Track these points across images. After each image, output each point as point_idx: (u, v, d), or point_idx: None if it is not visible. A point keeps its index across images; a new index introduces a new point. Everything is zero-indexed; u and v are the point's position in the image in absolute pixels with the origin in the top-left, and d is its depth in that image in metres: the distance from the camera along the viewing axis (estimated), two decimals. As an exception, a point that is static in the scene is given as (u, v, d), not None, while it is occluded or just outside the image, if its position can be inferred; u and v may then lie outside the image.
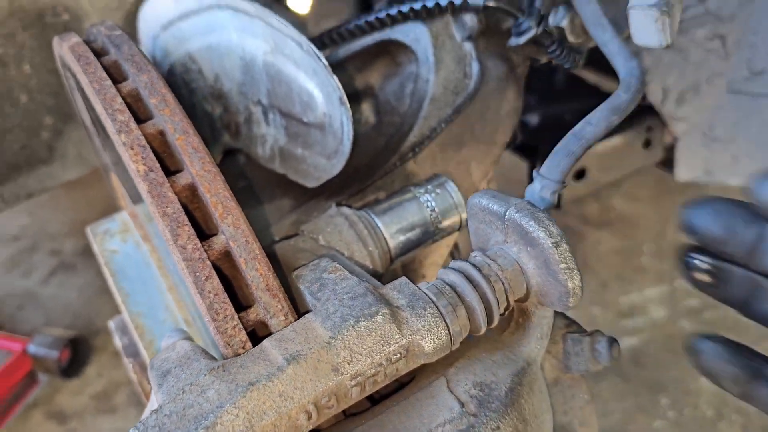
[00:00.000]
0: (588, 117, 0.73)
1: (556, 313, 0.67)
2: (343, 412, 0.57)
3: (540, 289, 0.58)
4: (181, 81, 0.95)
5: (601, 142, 1.41)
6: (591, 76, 1.59)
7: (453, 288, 0.57)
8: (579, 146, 0.71)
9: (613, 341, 0.64)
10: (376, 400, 0.58)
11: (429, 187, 0.78)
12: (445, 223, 0.77)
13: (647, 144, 1.45)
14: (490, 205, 0.60)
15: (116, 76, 0.67)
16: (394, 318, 0.53)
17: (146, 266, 0.77)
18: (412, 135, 0.85)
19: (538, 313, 0.61)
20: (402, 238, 0.75)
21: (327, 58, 0.96)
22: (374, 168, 0.83)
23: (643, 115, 1.44)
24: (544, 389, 0.62)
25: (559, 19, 0.90)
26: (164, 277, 0.77)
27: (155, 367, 0.53)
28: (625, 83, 0.76)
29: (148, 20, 0.94)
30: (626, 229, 2.58)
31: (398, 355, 0.52)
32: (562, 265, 0.55)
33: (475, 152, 0.89)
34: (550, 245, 0.55)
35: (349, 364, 0.51)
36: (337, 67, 0.95)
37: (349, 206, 0.76)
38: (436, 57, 0.87)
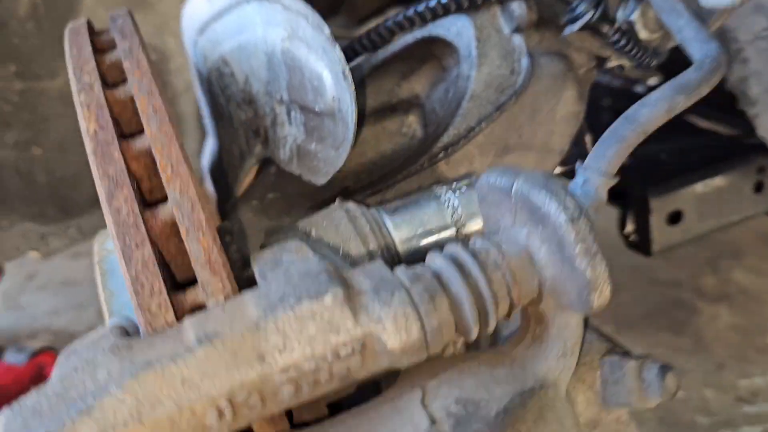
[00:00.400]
0: (645, 97, 0.59)
1: (598, 334, 0.51)
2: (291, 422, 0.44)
3: (555, 283, 0.44)
4: (218, 89, 0.90)
5: (702, 182, 1.23)
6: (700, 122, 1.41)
7: (437, 275, 0.44)
8: (631, 131, 0.57)
9: (667, 369, 0.47)
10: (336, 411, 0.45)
11: (455, 184, 0.65)
12: (472, 227, 0.64)
13: (758, 188, 1.24)
14: (497, 181, 0.47)
15: (107, 47, 0.62)
16: (350, 301, 0.41)
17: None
18: (446, 135, 0.73)
19: (559, 321, 0.46)
20: (414, 241, 0.62)
21: (368, 61, 0.87)
22: (399, 170, 0.72)
23: (753, 153, 1.24)
24: (569, 424, 0.47)
25: (628, 12, 0.77)
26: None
27: (66, 349, 0.44)
28: (698, 63, 0.61)
29: (187, 27, 0.91)
30: (748, 304, 2.27)
31: (350, 349, 0.40)
32: (580, 247, 0.41)
33: (523, 159, 0.76)
34: (564, 221, 0.41)
35: (280, 353, 0.39)
36: (381, 70, 0.87)
37: (359, 202, 0.65)
38: (479, 51, 0.76)
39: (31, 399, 0.38)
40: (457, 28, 0.78)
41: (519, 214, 0.45)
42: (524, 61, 0.76)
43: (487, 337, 0.51)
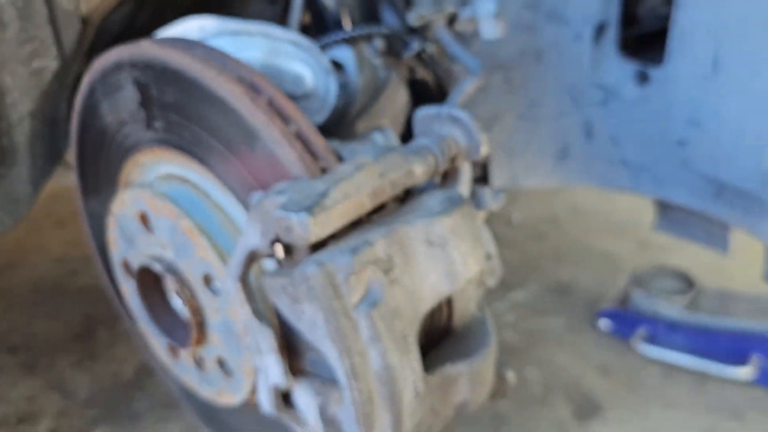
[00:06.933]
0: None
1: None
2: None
3: (466, 147, 0.81)
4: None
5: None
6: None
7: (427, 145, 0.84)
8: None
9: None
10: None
11: (374, 131, 1.06)
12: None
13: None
14: (430, 111, 0.83)
15: None
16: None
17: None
18: (353, 109, 1.14)
19: (464, 166, 0.86)
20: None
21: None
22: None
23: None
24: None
25: (430, 47, 1.25)
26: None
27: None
28: (472, 71, 1.14)
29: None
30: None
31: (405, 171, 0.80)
32: (476, 128, 0.78)
33: (385, 122, 1.18)
34: (468, 119, 0.78)
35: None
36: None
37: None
38: (359, 66, 1.16)
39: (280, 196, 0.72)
40: (344, 54, 1.13)
41: (445, 123, 0.80)
42: (383, 72, 1.14)
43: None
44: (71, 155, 1.22)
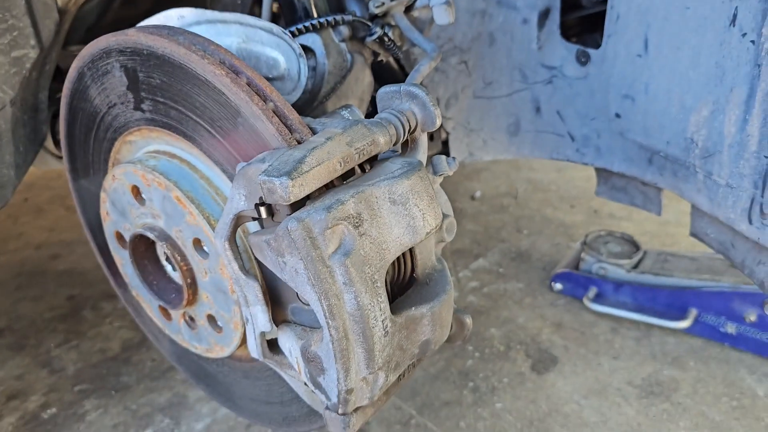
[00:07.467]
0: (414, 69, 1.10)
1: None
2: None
3: (422, 120, 0.91)
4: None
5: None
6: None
7: (389, 119, 0.91)
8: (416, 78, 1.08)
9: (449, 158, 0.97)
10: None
11: (342, 109, 1.12)
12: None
13: (430, 138, 1.76)
14: (391, 88, 0.93)
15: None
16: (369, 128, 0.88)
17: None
18: (323, 91, 1.21)
19: (422, 138, 0.95)
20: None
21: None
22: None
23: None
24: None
25: (389, 31, 1.29)
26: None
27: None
28: (428, 55, 1.16)
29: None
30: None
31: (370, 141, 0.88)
32: (432, 103, 0.87)
33: (352, 102, 1.26)
34: (424, 94, 0.88)
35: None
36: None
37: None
38: (326, 51, 1.24)
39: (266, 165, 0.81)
40: (313, 40, 1.22)
41: (404, 99, 0.91)
42: (348, 56, 1.23)
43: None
44: (60, 137, 1.29)
